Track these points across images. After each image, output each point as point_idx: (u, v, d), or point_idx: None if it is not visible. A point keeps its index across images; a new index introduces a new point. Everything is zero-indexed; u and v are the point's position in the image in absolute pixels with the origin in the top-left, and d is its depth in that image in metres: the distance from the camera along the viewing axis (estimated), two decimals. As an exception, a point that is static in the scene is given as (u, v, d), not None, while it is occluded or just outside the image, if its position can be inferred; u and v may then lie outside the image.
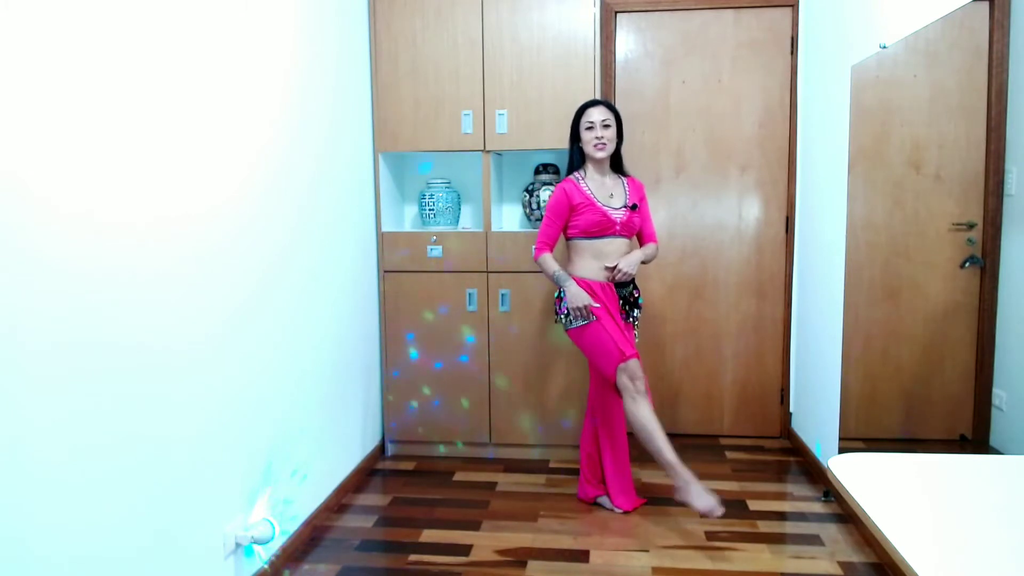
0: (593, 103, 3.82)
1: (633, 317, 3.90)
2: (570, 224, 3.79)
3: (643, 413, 3.67)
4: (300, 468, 3.62)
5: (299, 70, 3.60)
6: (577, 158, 3.88)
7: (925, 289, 3.68)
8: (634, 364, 3.68)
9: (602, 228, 3.75)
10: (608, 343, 3.70)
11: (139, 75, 2.43)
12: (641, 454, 4.59)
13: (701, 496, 3.56)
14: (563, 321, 3.81)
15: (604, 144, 3.76)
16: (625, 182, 3.92)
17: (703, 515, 3.56)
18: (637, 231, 3.90)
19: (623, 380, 3.68)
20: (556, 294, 3.85)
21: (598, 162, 3.82)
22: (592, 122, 3.76)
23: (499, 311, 4.61)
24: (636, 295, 3.93)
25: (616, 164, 3.93)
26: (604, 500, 4.01)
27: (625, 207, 3.80)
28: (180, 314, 2.64)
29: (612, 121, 3.79)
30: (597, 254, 3.78)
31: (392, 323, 4.71)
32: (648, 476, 4.41)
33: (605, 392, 3.86)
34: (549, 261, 3.79)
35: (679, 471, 3.62)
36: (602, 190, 3.81)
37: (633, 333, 3.93)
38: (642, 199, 3.93)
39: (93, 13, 2.22)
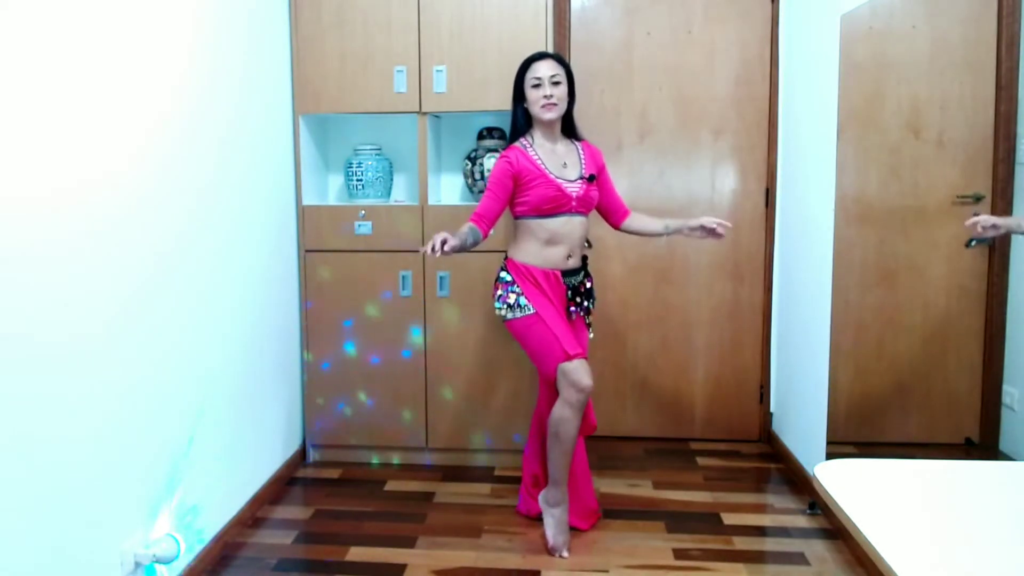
0: (540, 56, 3.69)
1: (584, 310, 3.80)
2: (518, 200, 3.65)
3: (570, 423, 3.61)
4: (209, 476, 3.56)
5: (208, 22, 3.56)
6: (522, 121, 3.74)
7: (925, 271, 3.72)
8: (579, 367, 3.57)
9: (556, 205, 3.61)
10: (549, 338, 3.59)
11: (19, 24, 2.38)
12: (600, 461, 4.56)
13: (560, 528, 3.70)
14: (502, 311, 3.70)
15: (554, 104, 3.61)
16: (579, 148, 3.78)
17: (549, 548, 3.68)
18: (595, 207, 3.77)
19: (562, 381, 3.60)
20: (496, 278, 3.73)
21: (547, 126, 3.68)
22: (539, 78, 3.60)
23: (437, 296, 4.51)
24: (588, 285, 3.81)
25: (568, 128, 3.80)
26: (551, 517, 3.96)
27: (581, 179, 3.67)
28: (69, 298, 2.61)
29: (562, 77, 3.65)
30: (550, 237, 3.63)
31: (314, 310, 4.62)
32: (607, 486, 4.37)
33: (555, 397, 3.74)
34: (464, 227, 3.59)
35: (560, 490, 3.72)
36: (554, 159, 3.66)
37: (586, 331, 3.85)
38: (601, 168, 3.80)
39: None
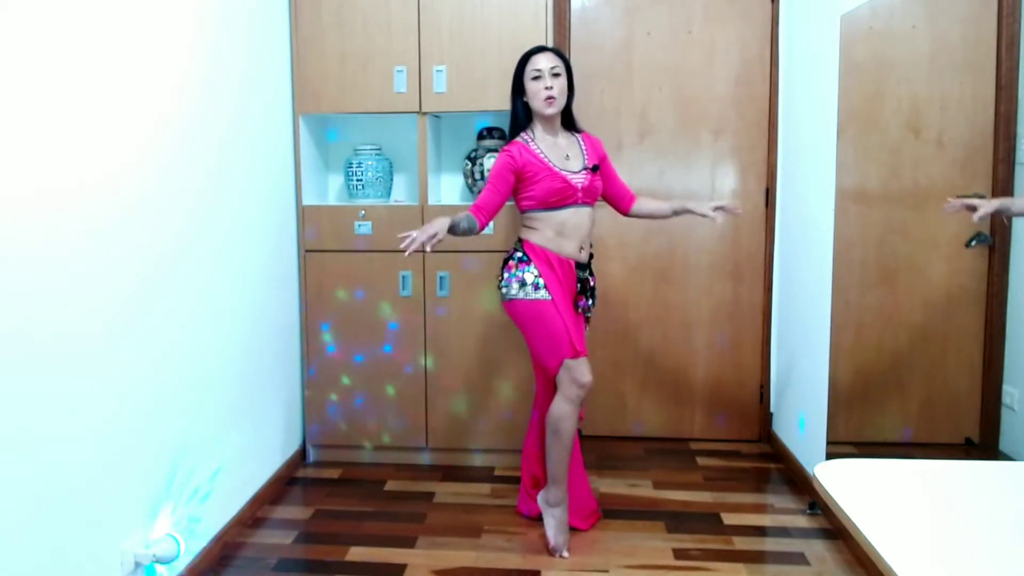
0: (539, 49, 3.67)
1: (585, 306, 3.76)
2: (524, 195, 3.62)
3: (570, 417, 3.62)
4: (209, 476, 3.55)
5: (208, 22, 3.55)
6: (522, 115, 3.71)
7: (925, 271, 3.70)
8: (583, 363, 3.58)
9: (562, 197, 3.59)
10: (560, 329, 3.56)
11: (19, 24, 2.36)
12: (600, 461, 4.54)
13: (560, 528, 3.68)
14: (511, 290, 3.62)
15: (554, 98, 3.59)
16: (580, 139, 3.77)
17: (550, 549, 3.66)
18: (600, 196, 3.76)
19: (563, 376, 3.59)
20: (508, 257, 3.69)
21: (548, 119, 3.66)
22: (539, 70, 3.58)
23: (437, 296, 4.50)
24: (591, 282, 3.78)
25: (567, 120, 3.78)
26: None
27: (585, 169, 3.66)
28: (69, 298, 2.60)
29: (562, 69, 3.62)
30: (559, 228, 3.61)
31: (314, 310, 4.60)
32: (607, 486, 4.35)
33: (553, 395, 3.72)
34: (459, 213, 3.55)
35: (561, 490, 3.70)
36: (556, 152, 3.64)
37: (584, 326, 3.81)
38: (603, 158, 3.79)
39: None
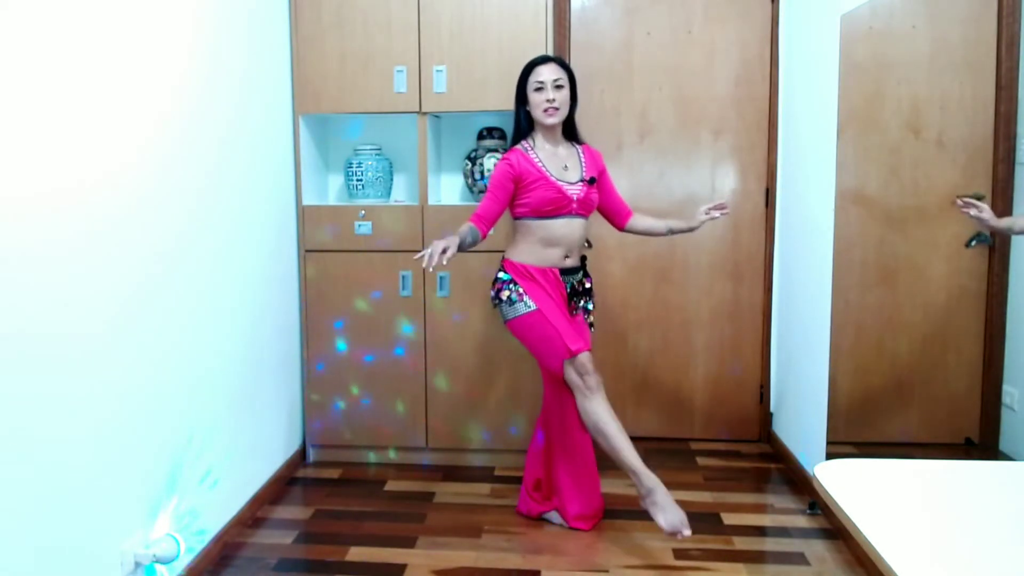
0: (543, 60, 3.68)
1: (582, 308, 3.79)
2: (519, 202, 3.64)
3: (598, 410, 3.55)
4: (209, 475, 3.54)
5: (208, 22, 3.54)
6: (525, 124, 3.72)
7: (925, 271, 3.70)
8: (583, 358, 3.57)
9: (556, 207, 3.60)
10: (552, 335, 3.57)
11: (19, 24, 2.35)
12: (600, 461, 4.50)
13: (667, 510, 3.45)
14: (501, 309, 3.68)
15: (556, 109, 3.60)
16: (580, 151, 3.77)
17: (668, 534, 3.44)
18: (595, 209, 3.77)
19: (571, 376, 3.58)
20: (494, 279, 3.72)
21: (549, 129, 3.67)
22: (542, 82, 3.60)
23: (437, 296, 4.49)
24: (587, 284, 3.80)
25: (569, 131, 3.78)
26: (552, 515, 3.91)
27: (582, 181, 3.66)
28: (69, 298, 2.59)
29: (565, 81, 3.63)
30: (548, 238, 3.62)
31: (314, 310, 4.59)
32: (607, 486, 4.27)
33: (562, 393, 3.73)
34: (463, 226, 3.56)
35: (643, 477, 3.52)
36: (555, 161, 3.65)
37: (587, 327, 3.82)
38: (602, 171, 3.79)
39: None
